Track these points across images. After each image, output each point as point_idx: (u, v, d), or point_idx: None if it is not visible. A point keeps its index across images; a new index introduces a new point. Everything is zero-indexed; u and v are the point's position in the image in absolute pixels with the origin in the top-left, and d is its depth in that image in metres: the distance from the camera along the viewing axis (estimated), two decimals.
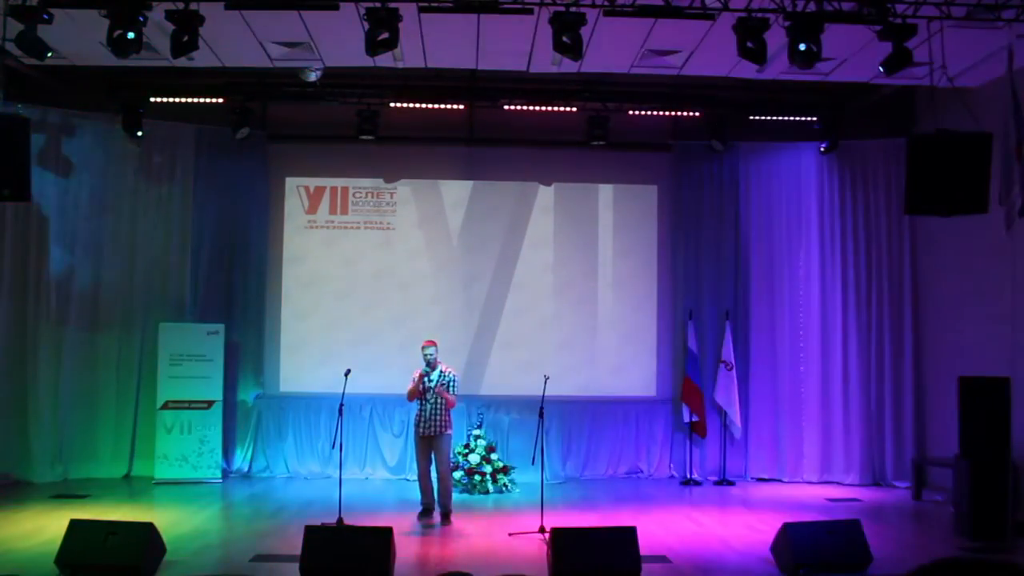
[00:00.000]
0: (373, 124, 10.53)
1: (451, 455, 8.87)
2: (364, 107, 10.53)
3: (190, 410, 10.25)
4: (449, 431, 8.54)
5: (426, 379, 8.44)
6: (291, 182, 11.16)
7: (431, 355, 8.50)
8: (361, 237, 11.14)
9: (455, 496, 9.03)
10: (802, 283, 11.00)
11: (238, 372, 10.76)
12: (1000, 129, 7.08)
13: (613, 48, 8.19)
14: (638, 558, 6.28)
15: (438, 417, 8.42)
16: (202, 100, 10.49)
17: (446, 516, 8.39)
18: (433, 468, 8.48)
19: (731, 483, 10.58)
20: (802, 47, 6.93)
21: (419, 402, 8.51)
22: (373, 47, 7.03)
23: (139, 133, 10.30)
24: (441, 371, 8.52)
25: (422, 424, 8.42)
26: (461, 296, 11.11)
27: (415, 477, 8.81)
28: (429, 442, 8.45)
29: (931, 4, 7.13)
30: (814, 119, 10.77)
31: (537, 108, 10.55)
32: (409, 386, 8.51)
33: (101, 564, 6.09)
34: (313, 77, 9.29)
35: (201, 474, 10.17)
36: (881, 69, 7.20)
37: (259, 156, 10.99)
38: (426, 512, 8.44)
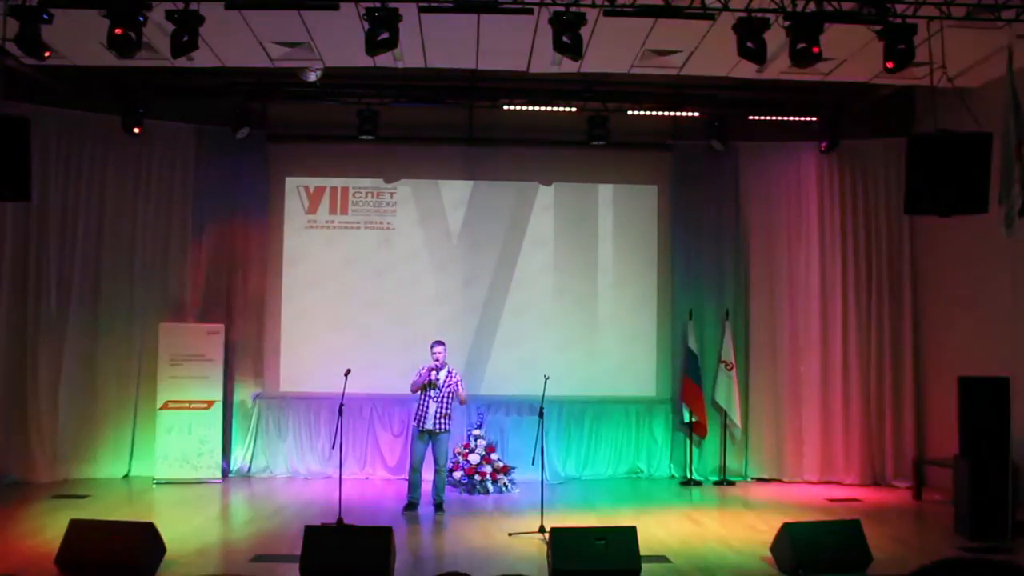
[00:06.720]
0: (373, 124, 10.54)
1: (449, 452, 9.14)
2: (364, 107, 10.53)
3: (190, 410, 10.25)
4: (450, 429, 8.92)
5: (434, 376, 8.75)
6: (291, 182, 11.16)
7: (440, 356, 8.83)
8: (361, 237, 11.13)
9: (455, 495, 9.22)
10: (802, 283, 11.00)
11: (238, 372, 10.76)
12: (1000, 129, 7.08)
13: (613, 48, 8.19)
14: (638, 558, 6.28)
15: (444, 415, 8.80)
16: (202, 100, 10.49)
17: (439, 507, 8.78)
18: (425, 463, 8.82)
19: (731, 483, 10.58)
20: (802, 47, 6.93)
21: (421, 397, 8.81)
22: (373, 47, 7.03)
23: (139, 132, 10.31)
24: (449, 371, 8.88)
25: (427, 419, 8.73)
26: (461, 296, 11.11)
27: None
28: (431, 437, 8.78)
29: (931, 4, 7.13)
30: (814, 119, 10.77)
31: (537, 108, 10.56)
32: (414, 377, 8.87)
33: (101, 564, 6.07)
34: (313, 77, 9.29)
35: (201, 474, 10.16)
36: (887, 68, 7.17)
37: (259, 156, 10.98)
38: (411, 507, 8.75)
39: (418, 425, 8.80)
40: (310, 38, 8.09)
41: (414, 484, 8.79)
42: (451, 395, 8.82)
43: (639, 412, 11.04)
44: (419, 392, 8.84)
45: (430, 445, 8.81)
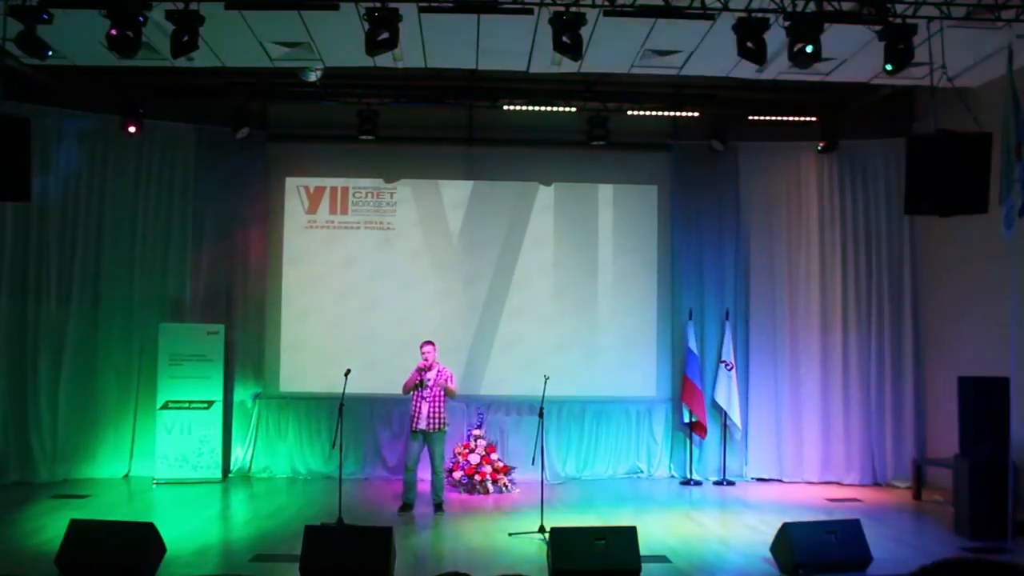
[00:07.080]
0: (373, 124, 10.56)
1: (446, 451, 9.06)
2: (364, 107, 10.54)
3: (190, 410, 10.25)
4: (446, 428, 8.85)
5: (424, 375, 8.68)
6: (291, 182, 11.16)
7: (428, 355, 8.74)
8: (361, 237, 11.13)
9: (455, 495, 9.20)
10: (802, 283, 11.00)
11: (238, 372, 10.76)
12: (1000, 129, 7.08)
13: (613, 48, 8.19)
14: (638, 558, 6.28)
15: (436, 413, 8.71)
16: (202, 100, 10.49)
17: (439, 507, 8.72)
18: (422, 464, 8.75)
19: (731, 483, 10.58)
20: (801, 47, 6.93)
21: (415, 398, 8.75)
22: (373, 47, 7.04)
23: (137, 132, 10.31)
24: (439, 370, 8.80)
25: (420, 419, 8.67)
26: (461, 296, 11.11)
27: None
28: (426, 437, 8.72)
29: (931, 4, 7.13)
30: (814, 119, 10.77)
31: (537, 108, 10.57)
32: (407, 378, 8.79)
33: (101, 564, 6.07)
34: (313, 77, 9.30)
35: (201, 474, 10.16)
36: (887, 69, 7.17)
37: (259, 156, 10.98)
38: (406, 508, 8.68)
39: (412, 426, 8.76)
40: (310, 38, 8.08)
41: (409, 485, 8.73)
42: (442, 393, 8.75)
43: (639, 412, 11.04)
44: (412, 393, 8.78)
45: (426, 446, 8.76)
